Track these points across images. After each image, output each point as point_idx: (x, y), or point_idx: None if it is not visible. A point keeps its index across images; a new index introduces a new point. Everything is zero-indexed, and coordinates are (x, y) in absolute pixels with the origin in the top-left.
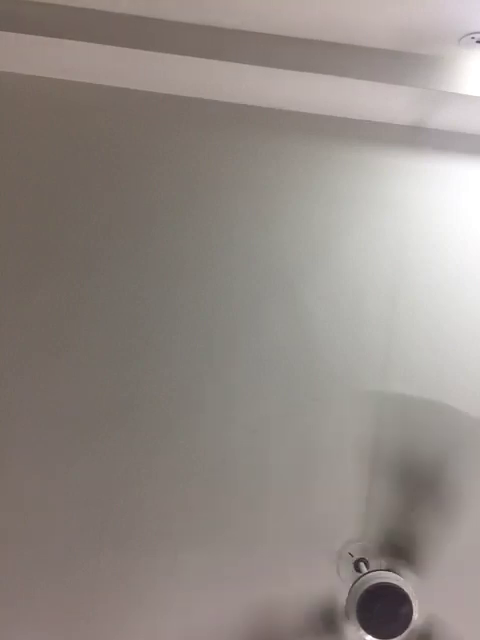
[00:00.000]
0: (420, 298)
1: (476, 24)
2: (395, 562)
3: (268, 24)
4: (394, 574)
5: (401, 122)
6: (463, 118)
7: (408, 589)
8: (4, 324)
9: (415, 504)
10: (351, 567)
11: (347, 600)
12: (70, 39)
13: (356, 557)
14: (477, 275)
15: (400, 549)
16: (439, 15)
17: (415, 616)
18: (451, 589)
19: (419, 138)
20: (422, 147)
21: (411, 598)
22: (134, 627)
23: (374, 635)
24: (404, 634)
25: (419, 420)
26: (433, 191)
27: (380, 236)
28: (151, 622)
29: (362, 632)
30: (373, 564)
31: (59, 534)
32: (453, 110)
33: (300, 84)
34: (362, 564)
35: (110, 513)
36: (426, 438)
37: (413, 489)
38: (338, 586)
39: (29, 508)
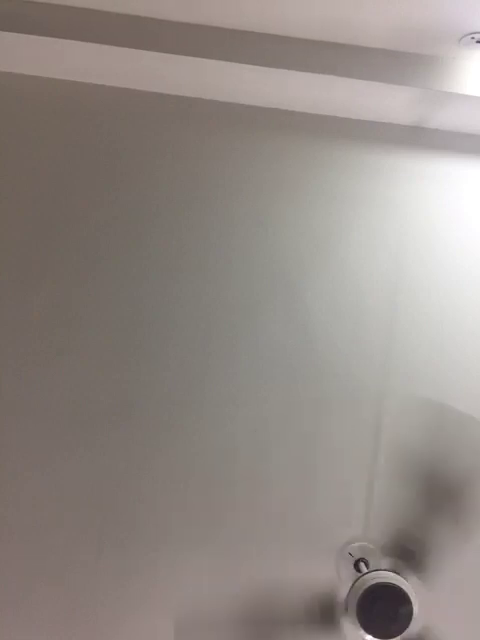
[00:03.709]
0: (420, 298)
1: (476, 24)
2: (403, 565)
3: (268, 24)
4: (394, 574)
5: (401, 122)
6: (463, 118)
7: (408, 589)
8: (4, 323)
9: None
10: (351, 567)
11: (347, 600)
12: (70, 39)
13: (356, 557)
14: (477, 275)
15: (411, 553)
16: (439, 15)
17: (415, 616)
18: (451, 604)
19: (419, 138)
20: (422, 147)
21: (411, 598)
22: (134, 627)
23: (374, 635)
24: (404, 634)
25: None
26: (433, 191)
27: (380, 236)
28: (151, 622)
29: (362, 632)
30: (373, 564)
31: (59, 534)
32: (453, 110)
33: (300, 84)
34: (362, 564)
35: (110, 513)
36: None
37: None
38: (338, 585)
39: (29, 508)
